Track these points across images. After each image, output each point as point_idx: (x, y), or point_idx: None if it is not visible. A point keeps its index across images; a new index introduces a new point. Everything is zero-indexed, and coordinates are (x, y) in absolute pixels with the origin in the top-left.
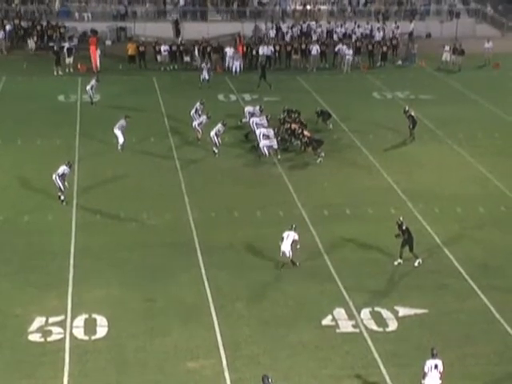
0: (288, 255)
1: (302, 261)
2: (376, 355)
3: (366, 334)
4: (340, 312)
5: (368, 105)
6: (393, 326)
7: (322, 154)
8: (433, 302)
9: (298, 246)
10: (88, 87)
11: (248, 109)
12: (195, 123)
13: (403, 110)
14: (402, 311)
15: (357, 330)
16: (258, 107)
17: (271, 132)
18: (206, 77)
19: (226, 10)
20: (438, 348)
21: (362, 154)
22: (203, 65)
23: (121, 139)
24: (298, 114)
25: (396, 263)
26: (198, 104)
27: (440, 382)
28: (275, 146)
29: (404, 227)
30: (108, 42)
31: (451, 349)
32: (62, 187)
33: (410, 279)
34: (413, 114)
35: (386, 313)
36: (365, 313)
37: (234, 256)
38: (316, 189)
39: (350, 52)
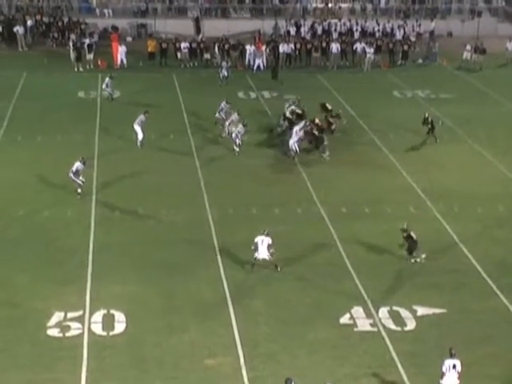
0: (269, 259)
1: (321, 258)
2: (394, 354)
3: (383, 333)
4: (358, 310)
5: (388, 103)
6: (411, 325)
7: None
8: (451, 302)
9: (272, 250)
10: (103, 86)
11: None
12: (230, 129)
13: (423, 119)
14: (421, 310)
15: (375, 329)
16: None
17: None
18: (226, 74)
19: (246, 8)
20: (456, 348)
21: (382, 152)
22: (223, 63)
23: (140, 135)
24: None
25: (413, 261)
26: (223, 103)
27: (458, 382)
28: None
29: (407, 234)
30: (128, 39)
31: (470, 349)
32: (79, 183)
33: (428, 278)
34: (431, 119)
35: (404, 312)
36: (383, 312)
37: (252, 253)
38: (335, 187)
39: (371, 50)
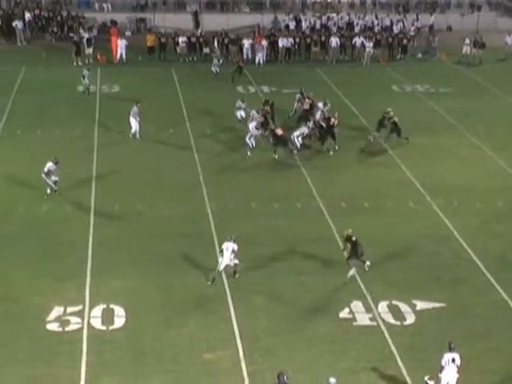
0: (232, 266)
1: (320, 253)
2: (393, 348)
3: (383, 327)
4: (357, 305)
5: (387, 98)
6: (410, 319)
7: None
8: (451, 296)
9: (237, 261)
10: (81, 78)
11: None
12: (252, 130)
13: (383, 116)
14: (420, 305)
15: (374, 323)
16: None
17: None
18: (217, 71)
19: (245, 2)
20: (455, 342)
21: (381, 147)
22: (215, 60)
23: (134, 127)
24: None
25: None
26: (238, 102)
27: (457, 376)
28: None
29: (352, 240)
30: (127, 33)
31: (469, 343)
32: (50, 184)
33: (427, 273)
34: (396, 120)
35: (403, 306)
36: (382, 306)
37: (252, 247)
38: (334, 181)
39: (370, 44)
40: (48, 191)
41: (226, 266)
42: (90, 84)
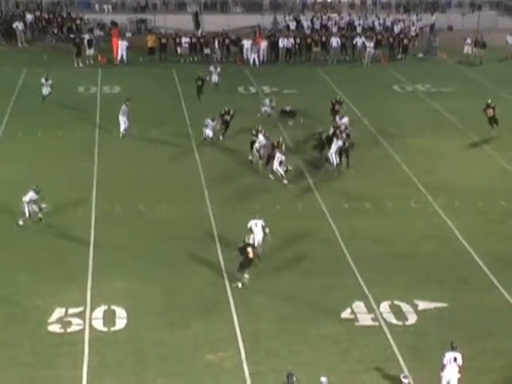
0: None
1: (322, 253)
2: (395, 349)
3: (385, 328)
4: (359, 305)
5: (388, 98)
6: (412, 319)
7: None
8: (453, 296)
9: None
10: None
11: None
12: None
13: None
14: (422, 305)
15: (376, 324)
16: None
17: None
18: (216, 80)
19: (245, 3)
20: (457, 342)
21: (383, 147)
22: (211, 67)
23: (122, 125)
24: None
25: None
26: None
27: (459, 375)
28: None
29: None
30: (128, 34)
31: (471, 343)
32: (27, 213)
33: (429, 273)
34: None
35: (405, 306)
36: (384, 306)
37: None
38: (336, 182)
39: (371, 44)
40: (20, 223)
41: (258, 243)
42: (49, 89)
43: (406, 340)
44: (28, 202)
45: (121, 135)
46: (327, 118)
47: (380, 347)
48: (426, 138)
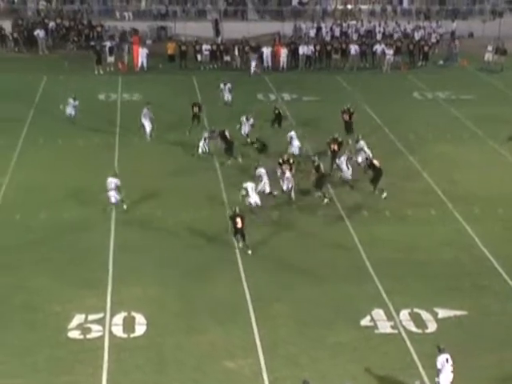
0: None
1: (342, 261)
2: (415, 357)
3: (404, 336)
4: (379, 313)
5: (408, 105)
6: (432, 327)
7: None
8: (473, 304)
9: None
10: None
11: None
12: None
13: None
14: (442, 313)
15: (395, 331)
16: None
17: None
18: (229, 99)
19: (265, 10)
20: (477, 350)
21: (402, 154)
22: (221, 84)
23: (147, 128)
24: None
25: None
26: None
27: (452, 375)
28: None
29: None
30: (148, 42)
31: (490, 352)
32: (112, 199)
33: (449, 280)
34: (281, 111)
35: (425, 314)
36: (404, 314)
37: (272, 256)
38: (355, 189)
39: (391, 52)
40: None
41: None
42: (74, 115)
43: (426, 348)
44: (115, 189)
45: (148, 138)
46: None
47: (400, 355)
48: (446, 146)
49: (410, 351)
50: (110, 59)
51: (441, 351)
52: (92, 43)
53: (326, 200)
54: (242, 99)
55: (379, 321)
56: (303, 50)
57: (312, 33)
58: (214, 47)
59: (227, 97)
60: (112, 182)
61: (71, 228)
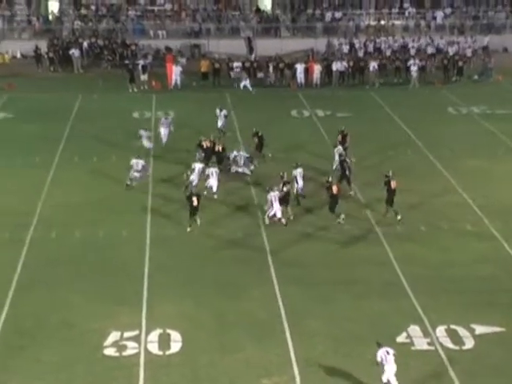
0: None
1: (377, 277)
2: (452, 374)
3: (441, 352)
4: (415, 329)
5: (443, 120)
6: (469, 344)
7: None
8: (511, 320)
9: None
10: None
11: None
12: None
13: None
14: (479, 329)
15: (432, 348)
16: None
17: None
18: (223, 124)
19: (298, 27)
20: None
21: (437, 169)
22: (217, 110)
23: (164, 139)
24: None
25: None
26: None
27: (395, 365)
28: None
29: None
30: (182, 60)
31: None
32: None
33: (486, 296)
34: (260, 134)
35: (462, 331)
36: (440, 330)
37: (307, 271)
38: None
39: (415, 68)
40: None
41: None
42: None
43: (464, 365)
44: (140, 170)
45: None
46: (379, 140)
47: (437, 372)
48: (481, 161)
49: (446, 368)
50: (144, 77)
51: (379, 346)
52: (126, 62)
53: (341, 218)
54: (276, 116)
55: (415, 337)
56: (336, 66)
57: (345, 49)
58: (247, 64)
59: (221, 123)
60: (139, 163)
61: (106, 245)
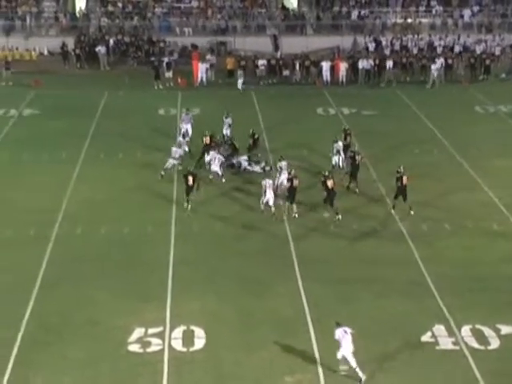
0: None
1: (402, 276)
2: (477, 374)
3: (466, 352)
4: (440, 329)
5: (470, 119)
6: (495, 344)
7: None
8: None
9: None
10: None
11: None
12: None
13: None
14: (505, 329)
15: (457, 348)
16: None
17: None
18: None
19: (324, 24)
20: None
21: (463, 168)
22: (223, 118)
23: (189, 130)
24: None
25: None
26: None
27: (353, 345)
28: None
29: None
30: (208, 57)
31: None
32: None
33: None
34: (257, 136)
35: (487, 330)
36: (465, 330)
37: (331, 269)
38: (414, 203)
39: (435, 66)
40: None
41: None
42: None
43: (489, 365)
44: (175, 158)
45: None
46: (405, 138)
47: (461, 372)
48: (508, 160)
49: (472, 368)
50: (168, 74)
51: (338, 325)
52: (151, 59)
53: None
54: (302, 114)
55: (440, 337)
56: (362, 64)
57: (371, 47)
58: (273, 62)
59: (226, 131)
60: (177, 151)
61: (131, 242)
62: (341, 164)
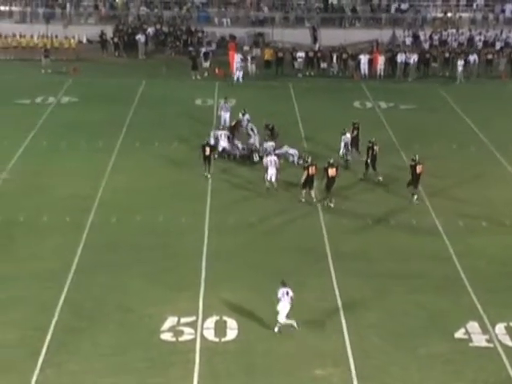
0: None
1: (437, 271)
2: (511, 372)
3: (500, 350)
4: (473, 325)
5: (508, 114)
6: None
7: None
8: None
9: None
10: None
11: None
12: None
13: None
14: None
15: (491, 345)
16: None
17: None
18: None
19: (363, 17)
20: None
21: (501, 164)
22: (240, 115)
23: (226, 121)
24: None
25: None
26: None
27: (290, 306)
28: None
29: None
30: (246, 48)
31: None
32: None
33: None
34: (271, 126)
35: None
36: (500, 328)
37: (365, 263)
38: (451, 199)
39: (461, 62)
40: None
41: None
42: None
43: None
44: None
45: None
46: (443, 133)
47: (495, 370)
48: None
49: (505, 366)
50: (206, 64)
51: (284, 285)
52: (189, 49)
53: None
54: (339, 107)
55: (474, 334)
56: (401, 58)
57: (408, 41)
58: (311, 54)
59: (245, 127)
60: (222, 133)
61: (166, 231)
62: (343, 153)
